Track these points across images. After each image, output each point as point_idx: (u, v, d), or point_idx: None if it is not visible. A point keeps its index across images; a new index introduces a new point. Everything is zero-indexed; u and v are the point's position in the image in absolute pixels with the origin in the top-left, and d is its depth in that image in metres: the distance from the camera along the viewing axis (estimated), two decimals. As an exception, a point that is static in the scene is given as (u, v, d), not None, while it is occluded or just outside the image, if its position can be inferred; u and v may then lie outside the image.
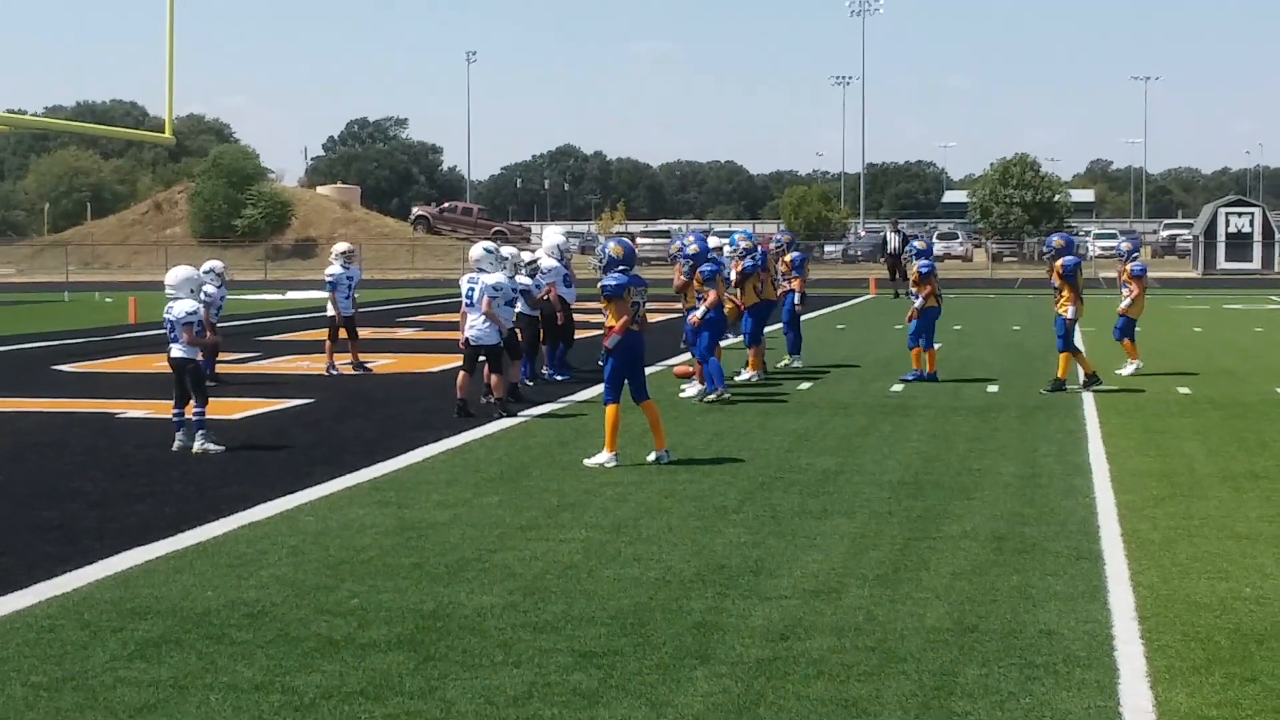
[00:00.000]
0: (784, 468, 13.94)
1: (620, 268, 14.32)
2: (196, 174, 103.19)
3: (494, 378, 17.75)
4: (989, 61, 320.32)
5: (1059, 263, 20.15)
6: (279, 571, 9.78)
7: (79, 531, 11.13)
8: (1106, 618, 8.57)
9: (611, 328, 14.12)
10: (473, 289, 17.79)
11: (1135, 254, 23.95)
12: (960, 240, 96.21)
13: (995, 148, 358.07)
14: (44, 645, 8.09)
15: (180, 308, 15.21)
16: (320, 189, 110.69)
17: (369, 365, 23.54)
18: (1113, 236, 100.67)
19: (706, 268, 18.89)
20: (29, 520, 11.58)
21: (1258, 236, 73.42)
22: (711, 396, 18.79)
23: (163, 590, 9.30)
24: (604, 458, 13.98)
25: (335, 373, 22.79)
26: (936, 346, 22.25)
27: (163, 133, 39.63)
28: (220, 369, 23.93)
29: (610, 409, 13.97)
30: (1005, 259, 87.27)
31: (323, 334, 23.97)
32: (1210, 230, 74.47)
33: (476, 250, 18.53)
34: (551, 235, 23.79)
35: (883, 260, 50.02)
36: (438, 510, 11.84)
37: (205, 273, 21.47)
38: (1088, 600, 8.97)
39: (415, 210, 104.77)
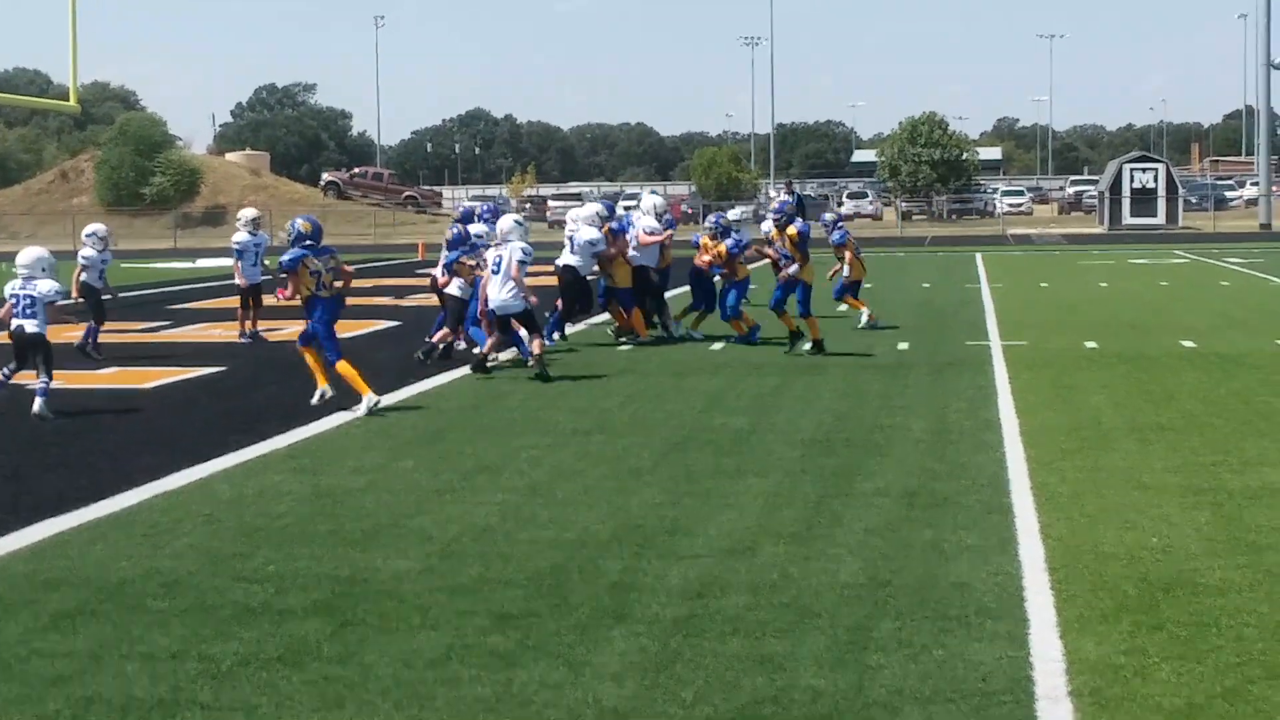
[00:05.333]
0: (698, 428, 14.02)
1: (306, 243, 15.45)
2: (103, 142, 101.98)
3: (535, 341, 17.65)
4: (897, 21, 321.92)
5: (792, 230, 20.11)
6: (194, 540, 9.75)
7: (-10, 504, 11.03)
8: (1017, 569, 8.69)
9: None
10: (500, 259, 17.70)
11: (839, 223, 24.83)
12: (870, 199, 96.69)
13: (904, 107, 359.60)
14: (-43, 618, 8.03)
15: (46, 286, 15.52)
16: (229, 156, 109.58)
17: (263, 334, 23.18)
18: (1020, 193, 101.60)
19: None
20: (-61, 494, 11.47)
21: (1161, 192, 74.24)
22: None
23: (77, 561, 9.25)
24: (369, 400, 15.05)
25: (247, 340, 22.64)
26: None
27: (68, 100, 39.05)
28: (134, 338, 23.79)
29: (340, 364, 15.28)
30: (915, 217, 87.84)
31: (234, 302, 23.84)
32: (1115, 186, 75.26)
33: (507, 222, 18.42)
34: (649, 197, 23.72)
35: None
36: (353, 476, 11.83)
37: (87, 236, 21.47)
38: (998, 553, 9.09)
39: (325, 176, 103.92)
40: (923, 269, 41.21)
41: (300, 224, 15.66)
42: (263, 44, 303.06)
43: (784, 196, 47.30)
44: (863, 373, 17.89)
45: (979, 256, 47.96)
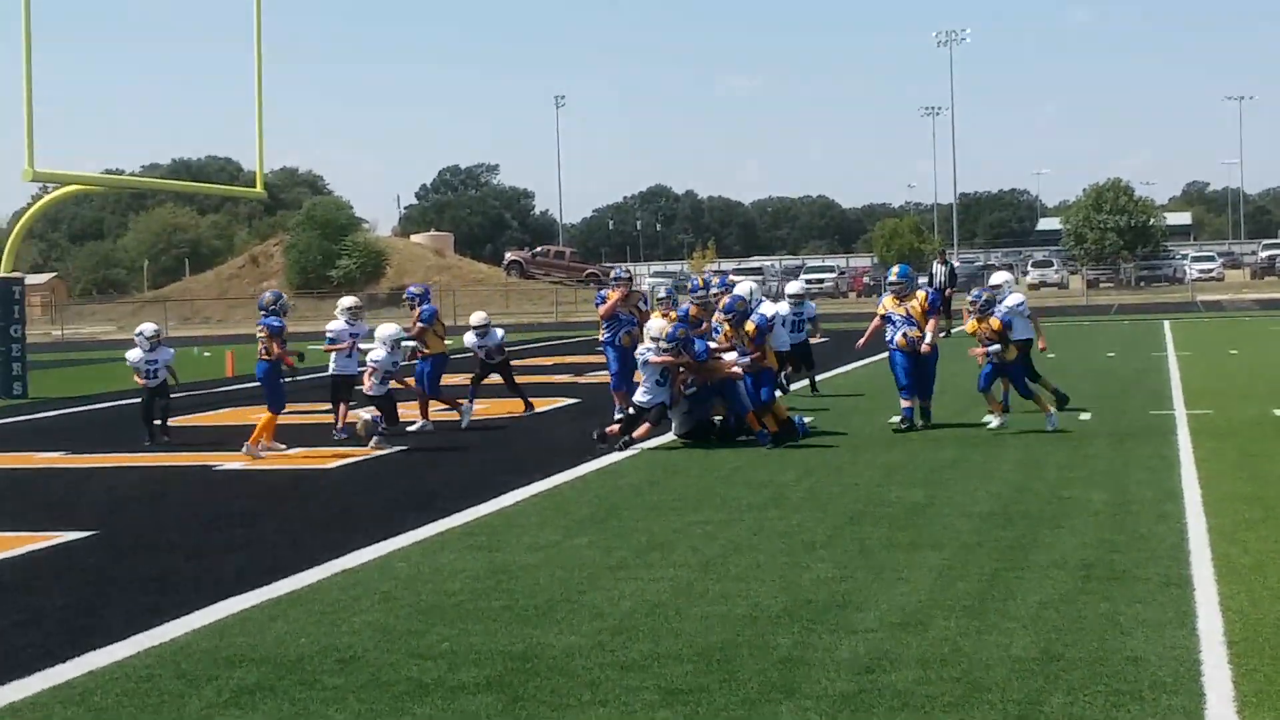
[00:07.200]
0: (873, 501, 13.96)
1: None
2: (291, 226, 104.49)
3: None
4: (1079, 87, 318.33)
5: (750, 325, 18.80)
6: (371, 617, 9.91)
7: (176, 582, 11.31)
8: (1194, 643, 8.53)
9: None
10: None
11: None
12: (1055, 268, 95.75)
13: (1089, 173, 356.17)
14: (141, 695, 8.24)
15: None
16: (414, 237, 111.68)
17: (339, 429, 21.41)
18: (1210, 259, 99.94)
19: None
20: (127, 573, 11.78)
21: (1358, 254, 72.64)
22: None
23: (257, 638, 9.45)
24: None
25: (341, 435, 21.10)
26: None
27: (254, 187, 40.04)
28: (317, 419, 24.23)
29: None
30: (1101, 285, 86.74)
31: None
32: (1309, 250, 73.77)
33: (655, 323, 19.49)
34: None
35: None
36: (528, 553, 11.95)
37: (136, 335, 21.78)
38: (1176, 626, 8.93)
39: (508, 255, 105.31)
40: (1108, 338, 40.63)
41: None
42: (446, 127, 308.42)
43: (936, 267, 46.93)
44: (1042, 443, 17.69)
45: (1166, 324, 47.23)
